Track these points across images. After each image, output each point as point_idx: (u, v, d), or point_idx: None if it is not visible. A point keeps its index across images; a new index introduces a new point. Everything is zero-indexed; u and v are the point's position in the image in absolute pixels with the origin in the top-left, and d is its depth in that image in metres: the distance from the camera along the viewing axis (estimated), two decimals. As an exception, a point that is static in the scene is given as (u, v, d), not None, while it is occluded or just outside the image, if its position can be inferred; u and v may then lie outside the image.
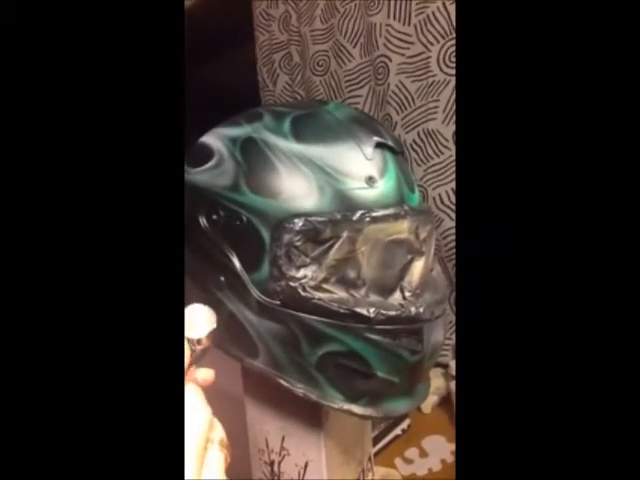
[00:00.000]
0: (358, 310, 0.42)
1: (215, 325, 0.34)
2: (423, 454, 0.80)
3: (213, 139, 0.49)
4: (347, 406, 0.44)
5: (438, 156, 0.98)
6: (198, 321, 0.33)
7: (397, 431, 0.83)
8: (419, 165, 1.00)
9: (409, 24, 0.97)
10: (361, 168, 0.44)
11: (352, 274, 0.44)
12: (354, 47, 1.07)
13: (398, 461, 0.79)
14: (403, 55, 0.99)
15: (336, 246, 0.43)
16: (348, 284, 0.44)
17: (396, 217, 0.44)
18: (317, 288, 0.43)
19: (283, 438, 0.53)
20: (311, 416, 0.50)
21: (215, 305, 0.46)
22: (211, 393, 0.31)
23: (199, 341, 0.33)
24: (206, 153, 0.48)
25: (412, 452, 0.81)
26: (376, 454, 0.77)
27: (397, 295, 0.45)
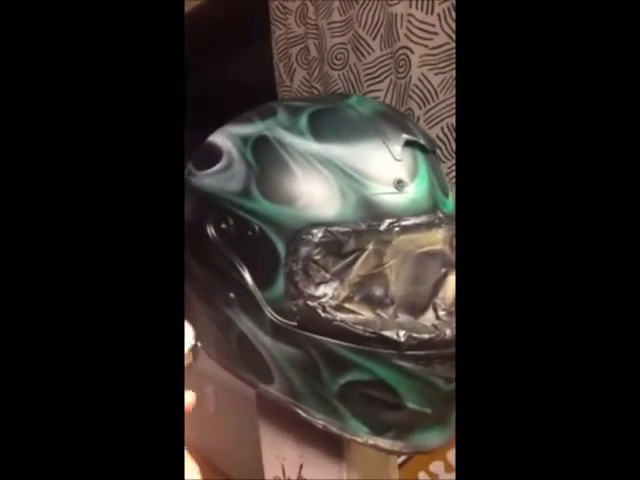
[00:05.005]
0: (386, 334, 0.37)
1: (194, 342, 0.31)
2: (449, 468, 0.76)
3: (222, 138, 0.44)
4: (373, 440, 0.40)
5: (463, 153, 0.94)
6: None
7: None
8: (443, 162, 0.97)
9: (432, 13, 0.93)
10: (389, 170, 0.39)
11: (379, 292, 0.38)
12: (374, 39, 1.03)
13: (422, 475, 0.74)
14: (426, 46, 0.95)
15: (360, 260, 0.38)
16: (374, 303, 0.38)
17: (429, 226, 0.39)
18: (339, 308, 0.38)
19: (301, 466, 0.49)
20: (332, 444, 0.46)
21: (224, 324, 0.42)
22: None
23: None
24: (214, 154, 0.43)
25: (437, 466, 0.76)
26: (399, 466, 0.73)
27: (430, 314, 0.39)
